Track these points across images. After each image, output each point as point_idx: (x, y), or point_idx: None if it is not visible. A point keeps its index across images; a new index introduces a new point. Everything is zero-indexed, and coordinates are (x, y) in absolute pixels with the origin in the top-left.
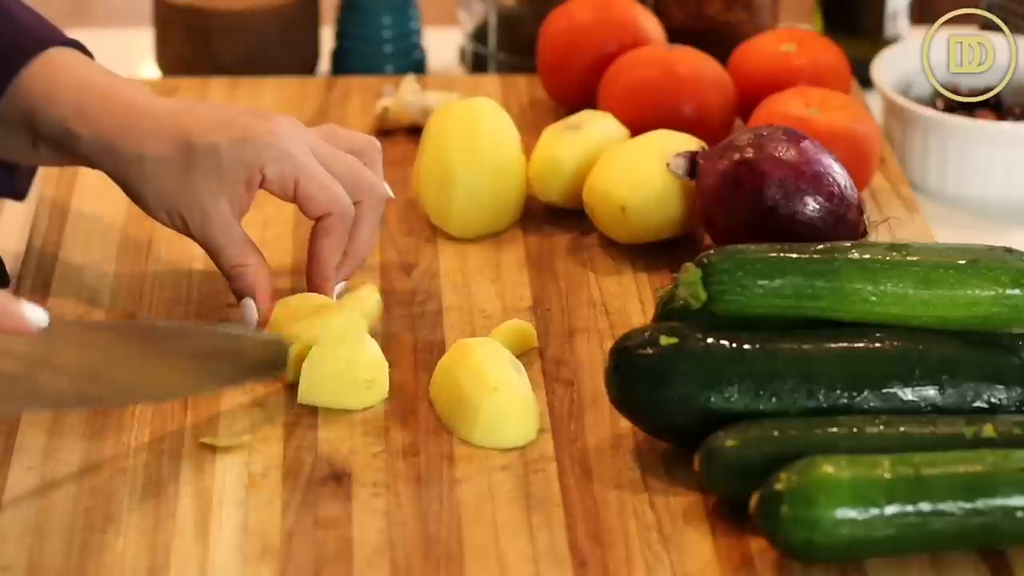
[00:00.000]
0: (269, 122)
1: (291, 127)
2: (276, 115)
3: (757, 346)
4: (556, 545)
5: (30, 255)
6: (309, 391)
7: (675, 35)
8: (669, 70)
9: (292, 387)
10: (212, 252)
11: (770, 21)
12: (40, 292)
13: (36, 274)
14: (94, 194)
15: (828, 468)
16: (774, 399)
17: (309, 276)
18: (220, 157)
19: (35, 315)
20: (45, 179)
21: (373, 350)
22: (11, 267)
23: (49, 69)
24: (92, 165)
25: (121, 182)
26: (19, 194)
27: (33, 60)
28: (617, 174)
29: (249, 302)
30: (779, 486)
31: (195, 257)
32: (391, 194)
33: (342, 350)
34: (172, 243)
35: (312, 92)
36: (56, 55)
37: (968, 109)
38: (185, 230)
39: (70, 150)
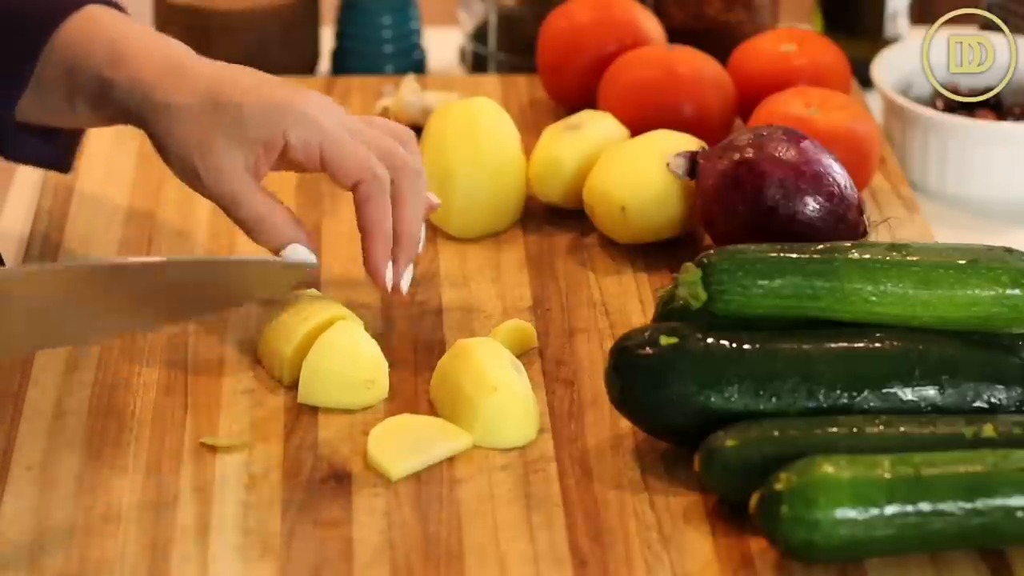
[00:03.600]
0: (300, 94)
1: (321, 99)
2: (310, 90)
3: (757, 346)
4: (556, 545)
5: (31, 254)
6: (309, 391)
7: (675, 35)
8: (669, 70)
9: (292, 387)
10: (228, 209)
11: (770, 21)
12: None
13: None
14: (95, 194)
15: (828, 468)
16: (774, 399)
17: (365, 261)
18: (243, 115)
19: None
20: (45, 179)
21: (373, 350)
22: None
23: (88, 23)
24: (124, 115)
25: (148, 130)
26: (64, 166)
27: (73, 15)
28: (617, 174)
29: (294, 246)
30: (779, 486)
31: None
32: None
33: (342, 350)
34: (172, 242)
35: None
36: (95, 11)
37: (968, 109)
38: (200, 186)
39: (105, 98)
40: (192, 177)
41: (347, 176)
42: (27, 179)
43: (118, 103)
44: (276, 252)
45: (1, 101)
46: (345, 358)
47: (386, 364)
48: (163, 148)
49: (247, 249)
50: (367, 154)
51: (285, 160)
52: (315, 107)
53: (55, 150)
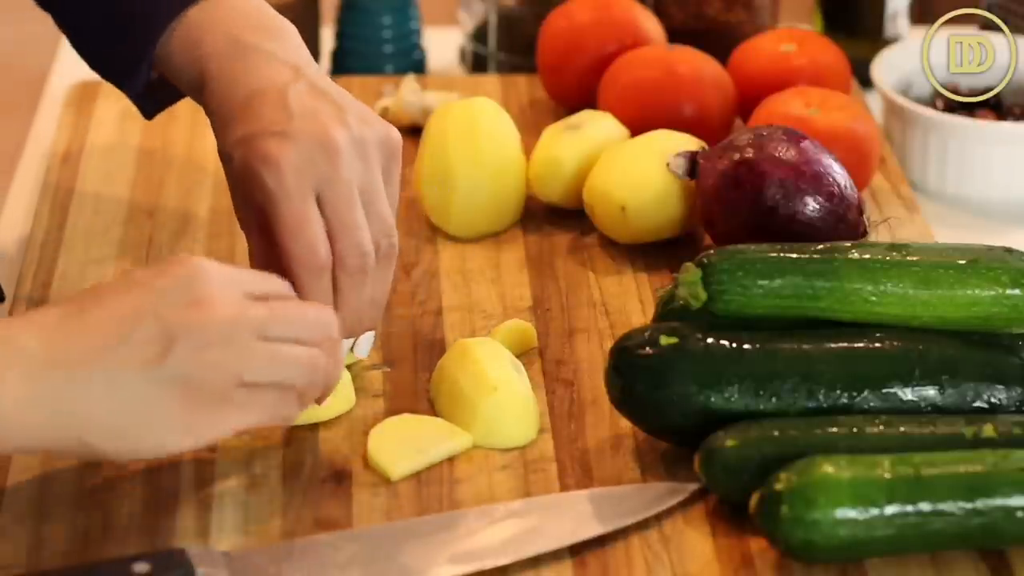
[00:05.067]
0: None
1: None
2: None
3: (757, 346)
4: None
5: (30, 255)
6: None
7: (675, 35)
8: (669, 70)
9: None
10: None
11: (770, 21)
12: (40, 292)
13: (36, 273)
14: (95, 194)
15: (828, 468)
16: (774, 399)
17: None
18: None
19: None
20: (46, 179)
21: None
22: (11, 266)
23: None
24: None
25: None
26: (147, 110)
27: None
28: (617, 174)
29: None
30: (779, 486)
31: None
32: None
33: None
34: (173, 244)
35: None
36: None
37: (968, 109)
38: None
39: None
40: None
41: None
42: (27, 179)
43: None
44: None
45: (144, 37)
46: None
47: (346, 375)
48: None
49: (245, 253)
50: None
51: None
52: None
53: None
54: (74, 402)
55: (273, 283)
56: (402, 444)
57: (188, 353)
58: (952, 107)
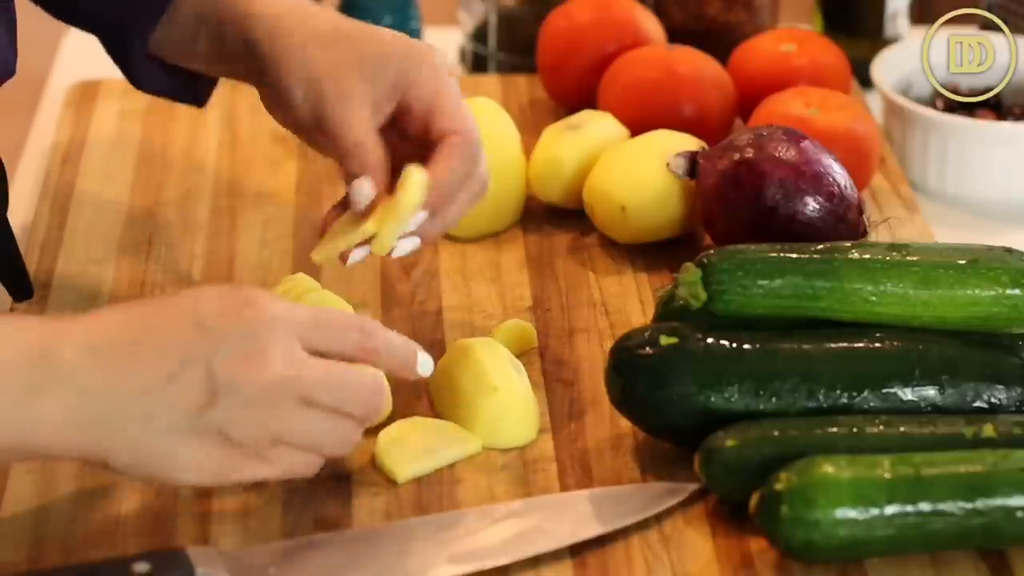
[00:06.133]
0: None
1: None
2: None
3: (757, 346)
4: None
5: (30, 255)
6: None
7: (675, 35)
8: (669, 70)
9: None
10: (338, 130)
11: (770, 21)
12: (40, 292)
13: (36, 274)
14: (95, 194)
15: (828, 468)
16: (774, 399)
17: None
18: (383, 51)
19: (425, 367)
20: (46, 179)
21: None
22: None
23: None
24: (242, 55)
25: (266, 63)
26: (198, 99)
27: None
28: (617, 174)
29: (363, 180)
30: (779, 486)
31: (195, 257)
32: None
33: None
34: (172, 243)
35: None
36: None
37: (968, 109)
38: (318, 115)
39: (225, 37)
40: (313, 103)
41: (452, 120)
42: (27, 179)
43: (237, 40)
44: (350, 182)
45: (137, 30)
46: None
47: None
48: (283, 76)
49: (247, 249)
50: (475, 121)
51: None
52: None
53: (186, 83)
54: (110, 435)
55: (344, 333)
56: (410, 447)
57: (230, 409)
58: (952, 107)
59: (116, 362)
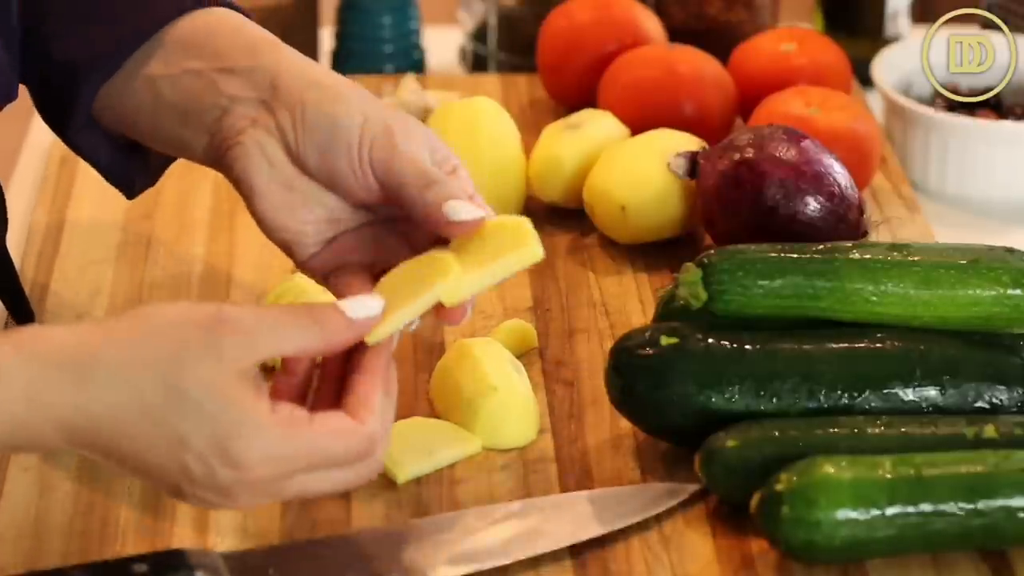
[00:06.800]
0: None
1: None
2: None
3: (757, 346)
4: None
5: (29, 255)
6: None
7: (675, 35)
8: (669, 70)
9: None
10: (407, 166)
11: (770, 21)
12: (40, 292)
13: (36, 274)
14: (94, 197)
15: (829, 469)
16: (775, 399)
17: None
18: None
19: (360, 311)
20: (44, 182)
21: None
22: None
23: (213, 21)
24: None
25: (276, 118)
26: (126, 185)
27: (195, 12)
28: (617, 174)
29: (459, 203)
30: (780, 487)
31: (195, 259)
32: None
33: None
34: (172, 246)
35: None
36: (219, 11)
37: (968, 109)
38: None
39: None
40: (372, 140)
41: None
42: (25, 182)
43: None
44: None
45: (87, 77)
46: None
47: None
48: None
49: (244, 253)
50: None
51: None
52: None
53: (123, 160)
54: (110, 464)
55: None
56: (410, 447)
57: (238, 498)
58: (952, 107)
59: (113, 438)
